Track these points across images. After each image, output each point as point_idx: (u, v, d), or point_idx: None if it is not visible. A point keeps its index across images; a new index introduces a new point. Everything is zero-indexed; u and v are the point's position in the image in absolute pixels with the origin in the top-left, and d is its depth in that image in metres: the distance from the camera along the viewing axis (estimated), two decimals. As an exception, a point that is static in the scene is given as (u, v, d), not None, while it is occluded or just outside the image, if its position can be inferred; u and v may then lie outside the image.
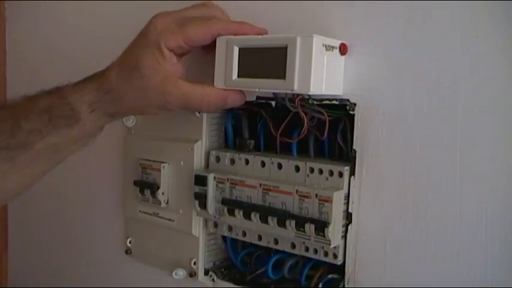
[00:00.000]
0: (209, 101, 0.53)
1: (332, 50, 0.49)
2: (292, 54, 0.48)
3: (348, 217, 0.52)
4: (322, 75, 0.48)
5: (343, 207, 0.52)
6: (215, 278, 0.64)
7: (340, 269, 0.54)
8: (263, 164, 0.57)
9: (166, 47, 0.50)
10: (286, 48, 0.48)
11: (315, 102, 0.53)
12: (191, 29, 0.51)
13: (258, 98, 0.57)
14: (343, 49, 0.50)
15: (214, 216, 0.59)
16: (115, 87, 0.52)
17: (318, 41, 0.47)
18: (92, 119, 0.53)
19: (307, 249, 0.54)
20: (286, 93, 0.53)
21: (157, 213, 0.67)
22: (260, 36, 0.52)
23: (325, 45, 0.48)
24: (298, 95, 0.52)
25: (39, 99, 0.53)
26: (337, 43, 0.50)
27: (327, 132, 0.54)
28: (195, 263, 0.64)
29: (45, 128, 0.52)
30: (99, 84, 0.52)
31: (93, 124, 0.54)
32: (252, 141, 0.61)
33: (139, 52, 0.51)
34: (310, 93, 0.48)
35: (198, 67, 0.59)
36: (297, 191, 0.52)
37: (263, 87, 0.51)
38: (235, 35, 0.52)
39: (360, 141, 0.51)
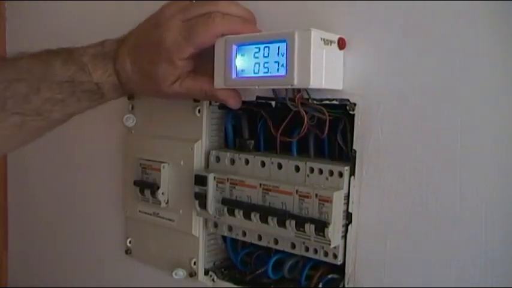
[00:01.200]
0: (207, 94, 0.56)
1: (330, 44, 0.49)
2: (291, 48, 0.48)
3: (348, 217, 0.52)
4: (322, 69, 0.48)
5: (343, 207, 0.52)
6: (215, 278, 0.64)
7: (340, 269, 0.54)
8: (263, 164, 0.57)
9: (180, 60, 0.53)
10: (284, 43, 0.48)
11: (315, 102, 0.53)
12: (197, 37, 0.52)
13: (258, 97, 0.57)
14: (341, 43, 0.50)
15: (214, 216, 0.59)
16: (132, 81, 0.56)
17: (316, 35, 0.47)
18: (113, 96, 0.58)
19: (307, 249, 0.54)
20: (286, 92, 0.53)
21: (158, 213, 0.67)
22: (258, 33, 0.52)
23: (324, 39, 0.48)
24: (298, 92, 0.52)
25: (56, 67, 0.54)
26: (335, 37, 0.50)
27: (327, 130, 0.54)
28: (195, 263, 0.64)
29: (67, 99, 0.55)
30: (118, 70, 0.55)
31: (113, 98, 0.59)
32: (252, 141, 0.61)
33: (153, 64, 0.54)
34: (310, 87, 0.48)
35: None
36: (297, 191, 0.52)
37: (263, 84, 0.51)
38: (237, 33, 0.52)
39: (360, 141, 0.51)
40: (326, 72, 0.49)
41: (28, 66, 0.55)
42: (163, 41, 0.53)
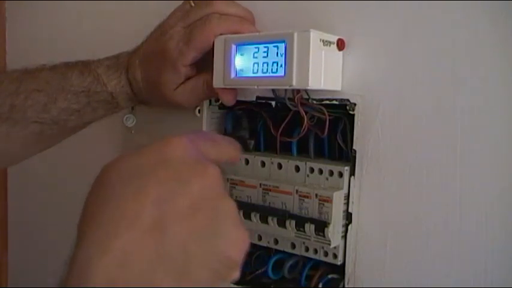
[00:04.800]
0: (208, 85, 0.56)
1: (330, 45, 0.49)
2: (290, 49, 0.48)
3: (348, 217, 0.52)
4: (321, 70, 0.48)
5: (343, 207, 0.52)
6: (215, 278, 0.64)
7: (340, 269, 0.54)
8: (263, 164, 0.57)
9: (184, 66, 0.54)
10: (284, 43, 0.48)
11: (314, 102, 0.53)
12: (196, 40, 0.53)
13: (258, 98, 0.57)
14: (340, 44, 0.50)
15: (214, 216, 0.59)
16: (143, 90, 0.58)
17: (315, 36, 0.47)
18: (127, 105, 0.61)
19: (307, 249, 0.54)
20: (285, 92, 0.53)
21: (157, 213, 0.67)
22: (257, 34, 0.52)
23: (323, 40, 0.48)
24: (297, 92, 0.52)
25: (72, 78, 0.56)
26: (334, 38, 0.50)
27: (327, 129, 0.54)
28: (195, 263, 0.63)
29: (83, 109, 0.57)
30: (130, 81, 0.57)
31: (128, 107, 0.63)
32: (252, 141, 0.61)
33: (159, 72, 0.56)
34: (309, 87, 0.48)
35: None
36: (297, 191, 0.52)
37: (262, 84, 0.51)
38: (235, 33, 0.52)
39: (360, 141, 0.51)
40: (325, 73, 0.49)
41: (47, 77, 0.57)
42: (167, 49, 0.54)
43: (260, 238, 0.58)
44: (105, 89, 0.57)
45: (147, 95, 0.58)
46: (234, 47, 0.52)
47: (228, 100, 0.56)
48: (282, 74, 0.48)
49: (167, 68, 0.55)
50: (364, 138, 0.51)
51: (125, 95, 0.58)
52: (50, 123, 0.57)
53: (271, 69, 0.49)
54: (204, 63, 0.55)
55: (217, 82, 0.53)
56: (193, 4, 0.55)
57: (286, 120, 0.56)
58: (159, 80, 0.55)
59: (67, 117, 0.57)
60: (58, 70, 0.58)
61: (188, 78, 0.56)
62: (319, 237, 0.51)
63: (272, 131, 0.58)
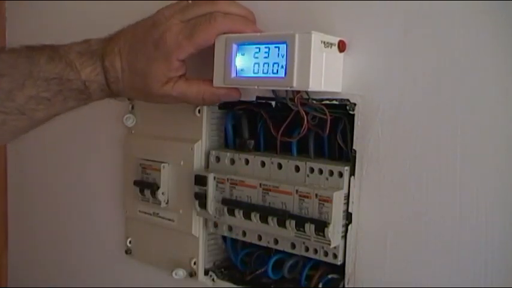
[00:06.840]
0: (204, 98, 0.55)
1: (331, 47, 0.49)
2: (291, 50, 0.48)
3: (348, 217, 0.52)
4: (321, 71, 0.48)
5: (343, 207, 0.52)
6: (215, 278, 0.64)
7: (340, 269, 0.54)
8: (263, 164, 0.57)
9: (177, 60, 0.52)
10: (285, 45, 0.48)
11: (314, 102, 0.53)
12: (199, 36, 0.52)
13: (258, 98, 0.57)
14: (341, 46, 0.50)
15: (214, 216, 0.59)
16: (120, 80, 0.54)
17: (316, 38, 0.47)
18: (99, 96, 0.56)
19: (307, 249, 0.54)
20: (286, 92, 0.53)
21: (157, 213, 0.67)
22: (259, 34, 0.52)
23: (324, 42, 0.48)
24: (298, 93, 0.52)
25: (41, 63, 0.52)
26: (335, 40, 0.50)
27: (328, 129, 0.54)
28: (195, 263, 0.64)
29: (53, 98, 0.52)
30: (107, 68, 0.54)
31: (99, 99, 0.57)
32: (252, 141, 0.61)
33: (148, 62, 0.53)
34: (309, 89, 0.48)
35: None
36: (297, 191, 0.52)
37: (262, 84, 0.51)
38: (238, 32, 0.52)
39: (360, 141, 0.51)
40: (325, 75, 0.49)
41: (11, 61, 0.52)
42: (163, 41, 0.52)
43: (260, 238, 0.58)
44: (78, 76, 0.53)
45: (126, 86, 0.55)
46: (235, 46, 0.52)
47: (234, 97, 0.56)
48: (283, 75, 0.48)
49: (158, 59, 0.52)
50: (364, 138, 0.51)
51: (98, 84, 0.54)
52: (15, 112, 0.51)
53: (272, 70, 0.49)
54: (203, 67, 0.54)
55: (217, 81, 0.53)
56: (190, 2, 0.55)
57: (287, 121, 0.55)
58: (148, 71, 0.53)
59: (35, 107, 0.52)
60: (22, 54, 0.53)
61: (179, 79, 0.54)
62: (319, 237, 0.51)
63: (272, 131, 0.58)
